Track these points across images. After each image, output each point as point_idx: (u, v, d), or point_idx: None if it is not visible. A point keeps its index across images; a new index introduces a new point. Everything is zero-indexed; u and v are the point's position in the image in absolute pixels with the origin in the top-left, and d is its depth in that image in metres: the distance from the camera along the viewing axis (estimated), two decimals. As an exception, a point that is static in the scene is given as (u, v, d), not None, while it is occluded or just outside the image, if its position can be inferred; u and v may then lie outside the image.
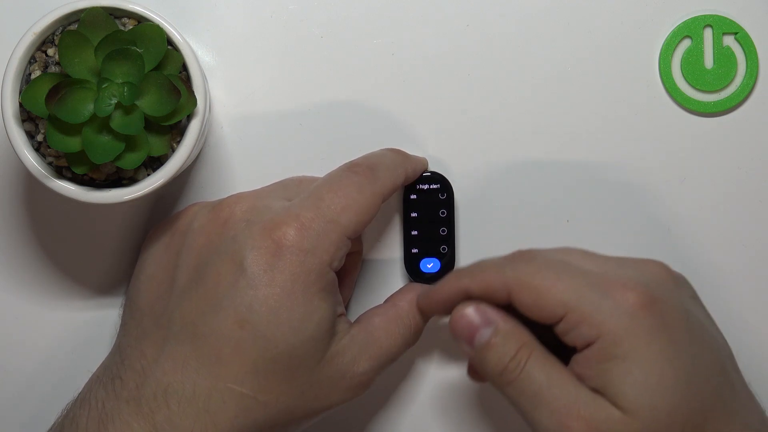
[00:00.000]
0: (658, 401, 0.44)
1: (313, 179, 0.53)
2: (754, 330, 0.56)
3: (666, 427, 0.44)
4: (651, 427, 0.44)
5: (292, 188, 0.52)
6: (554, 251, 0.48)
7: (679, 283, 0.48)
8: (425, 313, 0.51)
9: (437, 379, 0.57)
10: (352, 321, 0.51)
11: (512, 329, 0.47)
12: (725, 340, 0.49)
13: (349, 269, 0.54)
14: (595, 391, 0.45)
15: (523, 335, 0.47)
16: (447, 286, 0.49)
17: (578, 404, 0.45)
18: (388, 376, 0.56)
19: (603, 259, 0.48)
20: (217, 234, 0.49)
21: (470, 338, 0.47)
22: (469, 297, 0.48)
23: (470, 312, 0.47)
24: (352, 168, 0.50)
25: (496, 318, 0.47)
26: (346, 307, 0.55)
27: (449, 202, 0.54)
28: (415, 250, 0.55)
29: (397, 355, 0.51)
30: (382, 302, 0.53)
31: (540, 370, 0.46)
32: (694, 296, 0.49)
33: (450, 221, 0.54)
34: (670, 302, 0.46)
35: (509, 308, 0.47)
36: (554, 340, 0.47)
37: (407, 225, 0.55)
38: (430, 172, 0.54)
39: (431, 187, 0.54)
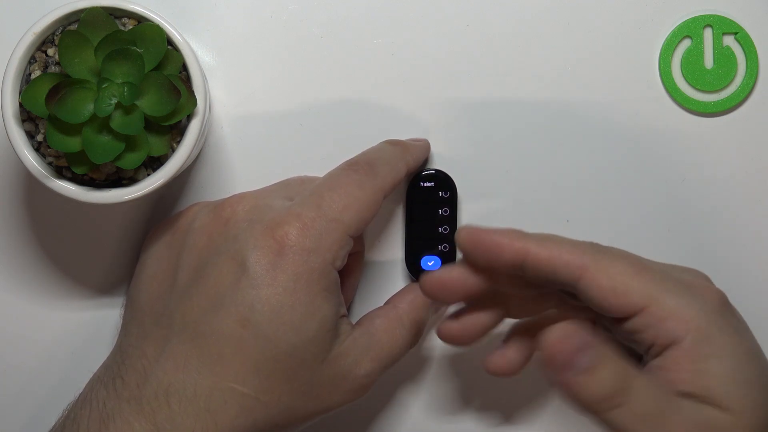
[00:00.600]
0: (758, 397, 0.43)
1: (314, 179, 0.53)
2: (754, 330, 0.56)
3: (765, 421, 0.43)
4: (756, 424, 0.43)
5: (294, 188, 0.52)
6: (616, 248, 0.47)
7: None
8: (464, 248, 0.46)
9: (437, 379, 0.57)
10: (354, 323, 0.51)
11: (611, 349, 0.42)
12: None
13: (351, 270, 0.54)
14: (688, 396, 0.43)
15: (621, 359, 0.42)
16: (507, 240, 0.45)
17: (689, 418, 0.42)
18: (388, 377, 0.56)
19: (650, 261, 0.47)
20: (218, 233, 0.49)
21: (570, 362, 0.41)
22: (523, 263, 0.44)
23: (574, 329, 0.41)
24: (351, 166, 0.50)
25: (593, 339, 0.42)
26: (349, 310, 0.55)
27: (452, 201, 0.54)
28: (416, 248, 0.55)
29: (399, 357, 0.51)
30: (383, 303, 0.53)
31: (647, 390, 0.42)
32: None
33: (452, 220, 0.54)
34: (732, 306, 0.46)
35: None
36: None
37: (409, 223, 0.55)
38: (434, 170, 0.54)
39: (433, 184, 0.54)
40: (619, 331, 0.45)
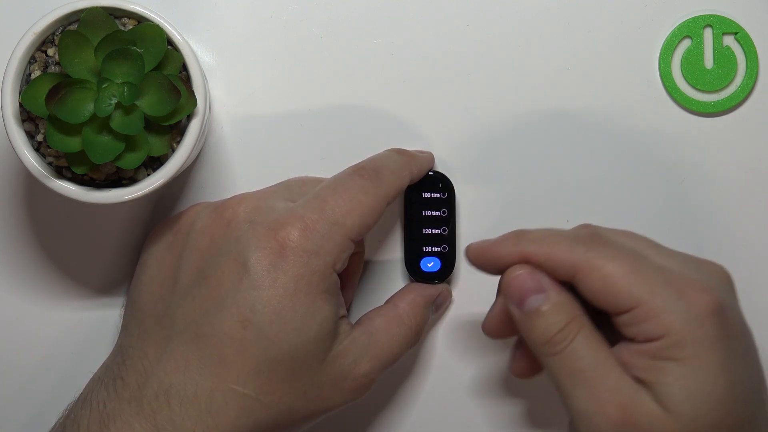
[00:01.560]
0: (704, 411, 0.43)
1: (316, 180, 0.53)
2: (754, 330, 0.56)
3: None
4: None
5: (295, 189, 0.52)
6: (621, 235, 0.47)
7: (735, 290, 0.48)
8: (473, 263, 0.49)
9: (437, 379, 0.57)
10: (354, 322, 0.51)
11: (565, 301, 0.46)
12: None
13: (351, 271, 0.54)
14: (640, 382, 0.44)
15: (575, 309, 0.46)
16: (506, 246, 0.47)
17: (620, 391, 0.44)
18: (388, 376, 0.56)
19: (667, 252, 0.47)
20: (220, 234, 0.49)
21: (521, 301, 0.46)
22: (526, 263, 0.47)
23: (526, 273, 0.46)
24: (357, 171, 0.50)
25: (550, 286, 0.46)
26: (349, 310, 0.55)
27: (450, 202, 0.54)
28: (415, 250, 0.55)
29: (398, 356, 0.51)
30: (382, 303, 0.53)
31: (587, 349, 0.45)
32: (738, 298, 0.49)
33: (451, 220, 0.54)
34: (732, 311, 0.45)
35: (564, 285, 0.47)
36: (598, 322, 0.46)
37: (408, 225, 0.55)
38: (432, 171, 0.54)
39: (433, 186, 0.54)
40: (614, 320, 0.46)
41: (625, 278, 0.44)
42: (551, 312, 0.46)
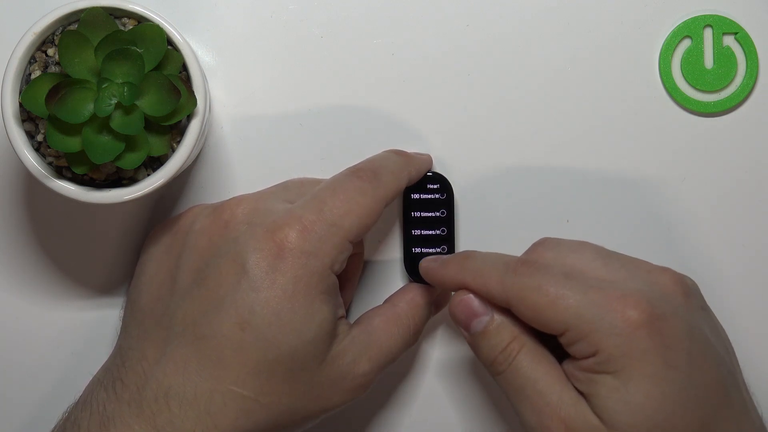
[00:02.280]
0: (639, 422, 0.44)
1: (314, 181, 0.53)
2: (753, 330, 0.56)
3: None
4: None
5: (294, 190, 0.52)
6: (565, 248, 0.48)
7: (689, 295, 0.48)
8: (427, 281, 0.52)
9: (436, 378, 0.57)
10: (352, 322, 0.51)
11: (506, 322, 0.48)
12: (731, 353, 0.49)
13: (350, 272, 0.54)
14: (582, 395, 0.46)
15: (516, 329, 0.48)
16: (449, 272, 0.50)
17: (560, 405, 0.46)
18: (386, 377, 0.56)
19: (615, 263, 0.48)
20: (218, 236, 0.49)
21: (468, 324, 0.49)
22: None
23: (470, 298, 0.49)
24: (356, 172, 0.50)
25: (491, 309, 0.48)
26: (348, 310, 0.55)
27: (449, 202, 0.54)
28: (415, 251, 0.55)
29: (397, 356, 0.51)
30: (381, 303, 0.53)
31: (528, 365, 0.47)
32: (704, 307, 0.49)
33: (450, 221, 0.54)
34: (672, 320, 0.45)
35: None
36: (550, 337, 0.47)
37: (407, 225, 0.55)
38: (431, 172, 0.54)
39: (431, 187, 0.54)
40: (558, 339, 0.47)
41: (551, 306, 0.46)
42: (493, 333, 0.48)
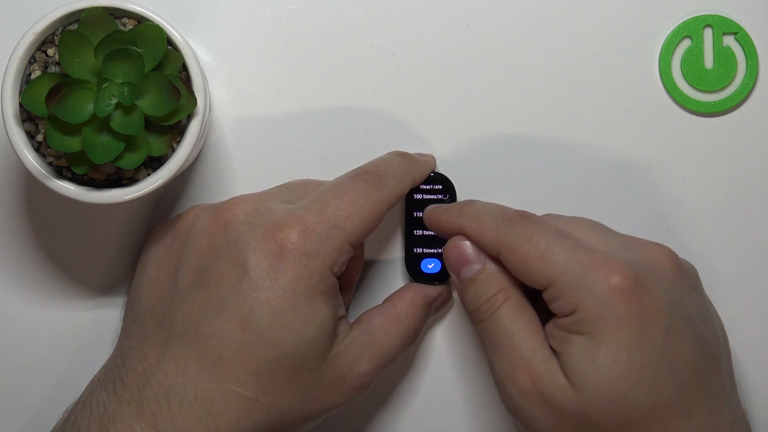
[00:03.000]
0: (605, 385, 0.44)
1: (317, 183, 0.53)
2: (753, 330, 0.56)
3: (604, 411, 0.45)
4: (589, 407, 0.45)
5: (296, 191, 0.52)
6: (564, 220, 0.49)
7: (681, 273, 0.48)
8: (426, 225, 0.52)
9: (435, 378, 0.57)
10: (352, 322, 0.51)
11: (497, 272, 0.48)
12: (719, 337, 0.48)
13: (350, 273, 0.54)
14: (555, 354, 0.46)
15: (505, 281, 0.48)
16: (449, 217, 0.50)
17: (532, 360, 0.46)
18: (387, 376, 0.56)
19: (610, 235, 0.48)
20: (219, 236, 0.49)
21: (458, 269, 0.49)
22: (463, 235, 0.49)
23: (465, 244, 0.49)
24: (360, 175, 0.50)
25: (485, 257, 0.48)
26: (347, 310, 0.55)
27: (451, 203, 0.54)
28: (416, 250, 0.55)
29: (397, 356, 0.51)
30: (381, 302, 0.53)
31: (509, 318, 0.47)
32: (696, 287, 0.49)
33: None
34: (655, 292, 0.45)
35: None
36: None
37: (409, 225, 0.55)
38: (433, 172, 0.54)
39: (433, 187, 0.54)
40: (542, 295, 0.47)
41: (539, 259, 0.46)
42: (482, 281, 0.48)
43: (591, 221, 0.49)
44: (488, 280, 0.48)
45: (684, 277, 0.48)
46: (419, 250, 0.55)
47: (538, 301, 0.48)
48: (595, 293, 0.45)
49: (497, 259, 0.48)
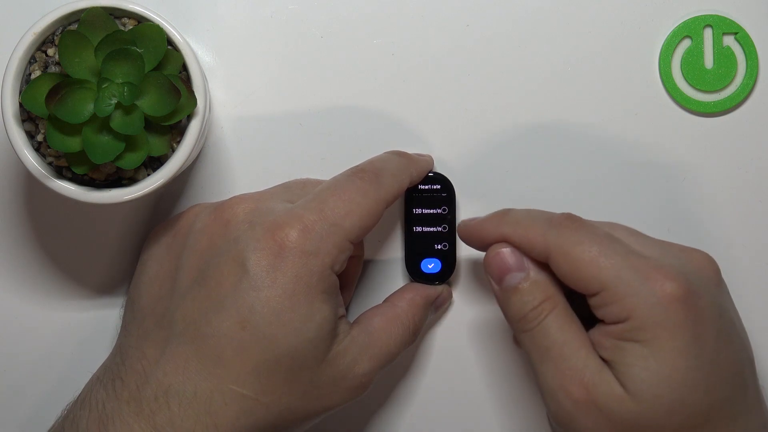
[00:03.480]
0: (664, 393, 0.44)
1: (316, 182, 0.53)
2: (754, 330, 0.56)
3: (663, 418, 0.44)
4: (648, 415, 0.44)
5: (296, 191, 0.52)
6: (603, 224, 0.48)
7: (721, 279, 0.48)
8: (462, 240, 0.51)
9: (434, 378, 0.57)
10: (352, 321, 0.51)
11: (542, 280, 0.47)
12: (749, 343, 0.49)
13: (350, 272, 0.54)
14: (606, 362, 0.46)
15: (551, 289, 0.47)
16: (489, 225, 0.49)
17: (585, 370, 0.45)
18: (386, 376, 0.56)
19: (649, 241, 0.48)
20: (219, 235, 0.49)
21: (500, 277, 0.48)
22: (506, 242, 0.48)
23: (507, 252, 0.48)
24: (357, 173, 0.50)
25: (529, 265, 0.48)
26: (347, 309, 0.55)
27: (450, 203, 0.54)
28: (416, 251, 0.55)
29: (397, 355, 0.51)
30: (381, 302, 0.53)
31: (558, 327, 0.47)
32: (729, 293, 0.49)
33: (451, 218, 0.54)
34: (706, 298, 0.46)
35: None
36: (581, 303, 0.47)
37: (409, 225, 0.55)
38: (432, 172, 0.54)
39: (432, 187, 0.54)
40: (588, 301, 0.47)
41: (592, 263, 0.45)
42: (527, 290, 0.47)
43: (626, 227, 0.49)
44: (533, 289, 0.47)
45: (723, 283, 0.48)
46: (419, 250, 0.55)
47: (575, 306, 0.48)
48: (651, 301, 0.45)
49: (541, 267, 0.48)
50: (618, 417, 0.45)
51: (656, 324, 0.44)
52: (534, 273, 0.47)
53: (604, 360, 0.46)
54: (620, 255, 0.46)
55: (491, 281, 0.49)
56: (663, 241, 0.48)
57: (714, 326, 0.45)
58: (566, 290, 0.48)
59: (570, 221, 0.47)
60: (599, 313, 0.46)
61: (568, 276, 0.46)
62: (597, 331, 0.46)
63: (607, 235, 0.47)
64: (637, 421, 0.45)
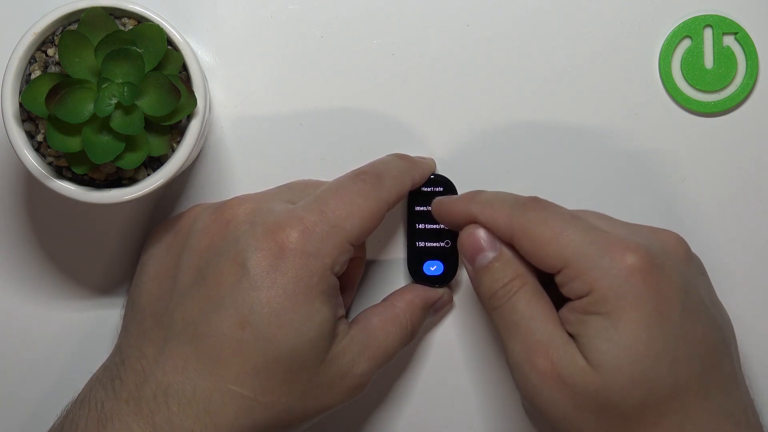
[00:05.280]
0: (625, 364, 0.44)
1: (318, 183, 0.53)
2: (754, 330, 0.56)
3: (626, 390, 0.45)
4: (610, 386, 0.45)
5: (297, 192, 0.52)
6: (570, 209, 0.49)
7: (691, 257, 0.48)
8: (436, 217, 0.52)
9: (432, 376, 0.57)
10: (351, 320, 0.51)
11: (513, 260, 0.48)
12: (728, 325, 0.49)
13: (351, 274, 0.54)
14: (572, 337, 0.46)
15: (521, 268, 0.48)
16: (459, 206, 0.50)
17: (550, 344, 0.46)
18: (384, 375, 0.56)
19: (618, 223, 0.49)
20: (219, 235, 0.49)
21: (473, 257, 0.49)
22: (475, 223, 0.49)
23: (480, 233, 0.49)
24: (359, 175, 0.50)
25: (501, 246, 0.48)
26: (348, 311, 0.55)
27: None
28: (418, 253, 0.55)
29: (394, 355, 0.51)
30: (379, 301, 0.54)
31: (525, 303, 0.47)
32: (704, 274, 0.49)
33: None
34: (671, 272, 0.46)
35: None
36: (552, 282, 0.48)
37: (411, 228, 0.55)
38: (435, 174, 0.54)
39: (435, 189, 0.54)
40: (554, 280, 0.47)
41: (553, 240, 0.46)
42: (498, 268, 0.48)
43: (598, 212, 0.50)
44: (504, 267, 0.48)
45: (694, 262, 0.49)
46: (421, 252, 0.55)
47: (549, 290, 0.48)
48: (611, 273, 0.45)
49: (512, 248, 0.48)
50: (581, 389, 0.45)
51: (617, 296, 0.45)
52: (505, 251, 0.48)
53: (570, 335, 0.46)
54: (582, 230, 0.46)
55: (464, 261, 0.50)
56: (632, 223, 0.49)
57: (679, 300, 0.45)
58: (541, 276, 0.48)
59: (535, 202, 0.48)
60: (565, 291, 0.46)
61: (531, 254, 0.47)
62: (565, 309, 0.47)
63: (571, 214, 0.47)
64: (599, 393, 0.45)
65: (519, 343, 0.47)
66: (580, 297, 0.46)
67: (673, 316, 0.45)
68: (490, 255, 0.48)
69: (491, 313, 0.49)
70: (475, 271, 0.49)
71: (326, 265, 0.48)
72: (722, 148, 0.55)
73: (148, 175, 0.49)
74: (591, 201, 0.55)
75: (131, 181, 0.50)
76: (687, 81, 0.55)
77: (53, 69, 0.49)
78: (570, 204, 0.55)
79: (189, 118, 0.49)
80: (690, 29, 0.55)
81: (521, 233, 0.47)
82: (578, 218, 0.47)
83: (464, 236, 0.49)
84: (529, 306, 0.47)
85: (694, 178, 0.55)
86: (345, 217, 0.48)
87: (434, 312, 0.55)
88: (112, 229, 0.56)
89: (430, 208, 0.54)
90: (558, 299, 0.47)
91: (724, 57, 0.55)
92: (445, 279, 0.55)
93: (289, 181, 0.54)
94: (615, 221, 0.49)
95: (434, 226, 0.54)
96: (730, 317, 0.50)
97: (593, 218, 0.48)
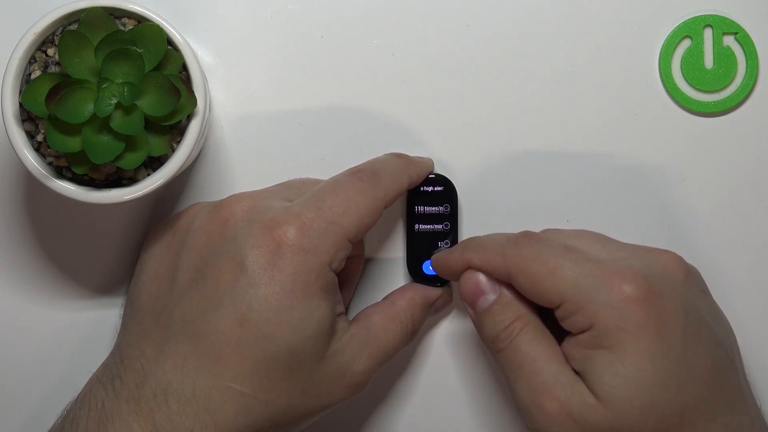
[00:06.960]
0: (635, 396, 0.44)
1: (315, 181, 0.53)
2: (754, 330, 0.56)
3: (638, 422, 0.44)
4: (622, 421, 0.44)
5: (295, 189, 0.52)
6: (566, 234, 0.49)
7: (690, 277, 0.48)
8: (437, 273, 0.53)
9: (433, 377, 0.57)
10: (351, 318, 0.51)
11: (513, 301, 0.48)
12: (731, 338, 0.49)
13: (350, 272, 0.54)
14: (578, 374, 0.46)
15: (521, 309, 0.48)
16: (455, 255, 0.50)
17: (556, 384, 0.46)
18: (384, 373, 0.56)
19: (614, 245, 0.49)
20: (217, 233, 0.49)
21: (474, 301, 0.49)
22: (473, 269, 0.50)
23: (479, 277, 0.49)
24: (356, 173, 0.50)
25: (500, 288, 0.49)
26: (347, 309, 0.55)
27: (452, 204, 0.54)
28: (418, 252, 0.55)
29: (394, 353, 0.51)
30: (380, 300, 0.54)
31: (528, 344, 0.47)
32: (705, 290, 0.49)
33: (453, 223, 0.54)
34: (669, 297, 0.46)
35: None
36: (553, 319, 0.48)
37: (410, 227, 0.55)
38: (434, 174, 0.54)
39: (435, 188, 0.54)
40: (555, 315, 0.47)
41: (549, 275, 0.46)
42: (498, 311, 0.48)
43: (593, 233, 0.49)
44: (505, 309, 0.48)
45: (693, 281, 0.48)
46: (421, 252, 0.54)
47: (549, 325, 0.48)
48: (610, 305, 0.45)
49: (512, 288, 0.48)
50: (593, 426, 0.45)
51: (618, 328, 0.45)
52: (505, 293, 0.49)
53: (576, 371, 0.46)
54: (577, 264, 0.46)
55: (467, 306, 0.50)
56: (629, 244, 0.49)
57: (680, 324, 0.45)
58: (541, 309, 0.48)
59: (526, 238, 0.48)
60: (566, 325, 0.46)
61: (529, 292, 0.47)
62: (567, 344, 0.47)
63: (564, 246, 0.47)
64: (612, 428, 0.45)
65: (525, 385, 0.47)
66: (582, 331, 0.46)
67: (675, 341, 0.45)
68: (490, 298, 0.49)
69: (495, 356, 0.49)
70: (477, 314, 0.49)
71: (324, 262, 0.48)
72: (722, 148, 0.55)
73: (148, 175, 0.49)
74: (590, 200, 0.55)
75: (131, 181, 0.50)
76: (687, 81, 0.55)
77: (53, 69, 0.49)
78: (570, 203, 0.55)
79: (189, 118, 0.49)
80: (690, 29, 0.55)
81: (517, 272, 0.47)
82: (571, 250, 0.47)
83: (463, 281, 0.50)
84: (531, 346, 0.47)
85: (693, 178, 0.55)
86: (342, 214, 0.48)
87: (434, 311, 0.55)
88: (112, 229, 0.56)
89: (429, 208, 0.54)
90: (560, 330, 0.47)
91: (724, 57, 0.55)
92: (444, 279, 0.55)
93: (287, 180, 0.54)
94: (611, 243, 0.49)
95: (434, 227, 0.54)
96: (730, 318, 0.50)
97: (588, 243, 0.48)
